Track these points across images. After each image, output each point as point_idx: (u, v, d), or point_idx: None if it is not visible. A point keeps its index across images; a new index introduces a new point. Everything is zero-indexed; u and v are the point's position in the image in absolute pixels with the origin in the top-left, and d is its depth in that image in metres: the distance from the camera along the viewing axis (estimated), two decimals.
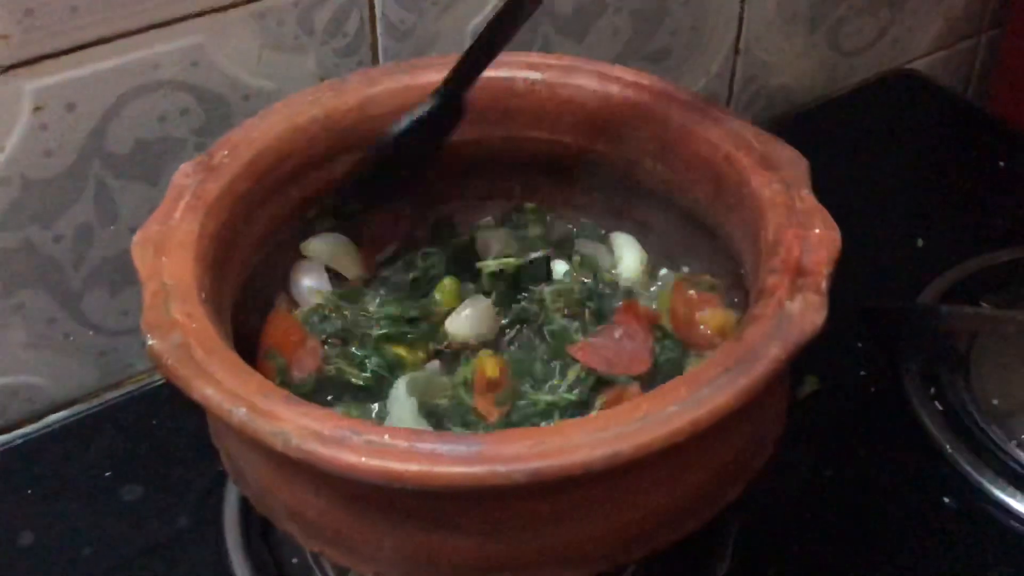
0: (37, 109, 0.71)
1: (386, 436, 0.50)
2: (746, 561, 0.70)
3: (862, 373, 0.83)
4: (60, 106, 0.72)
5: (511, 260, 0.73)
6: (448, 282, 0.72)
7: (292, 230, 0.71)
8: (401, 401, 0.65)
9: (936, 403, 0.80)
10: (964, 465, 0.76)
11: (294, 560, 0.71)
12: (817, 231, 0.59)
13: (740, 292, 0.68)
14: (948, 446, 0.77)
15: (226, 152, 0.66)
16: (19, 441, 0.79)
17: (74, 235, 0.77)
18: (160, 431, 0.79)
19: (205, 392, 0.53)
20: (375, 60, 0.84)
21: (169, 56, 0.74)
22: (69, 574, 0.70)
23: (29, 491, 0.75)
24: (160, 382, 0.83)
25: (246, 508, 0.72)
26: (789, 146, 0.65)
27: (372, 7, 0.81)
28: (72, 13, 0.69)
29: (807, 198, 0.62)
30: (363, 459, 0.49)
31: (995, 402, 0.80)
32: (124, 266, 0.79)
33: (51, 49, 0.70)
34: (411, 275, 0.73)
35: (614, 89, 0.71)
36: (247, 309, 0.67)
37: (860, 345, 0.85)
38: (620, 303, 0.70)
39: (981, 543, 0.73)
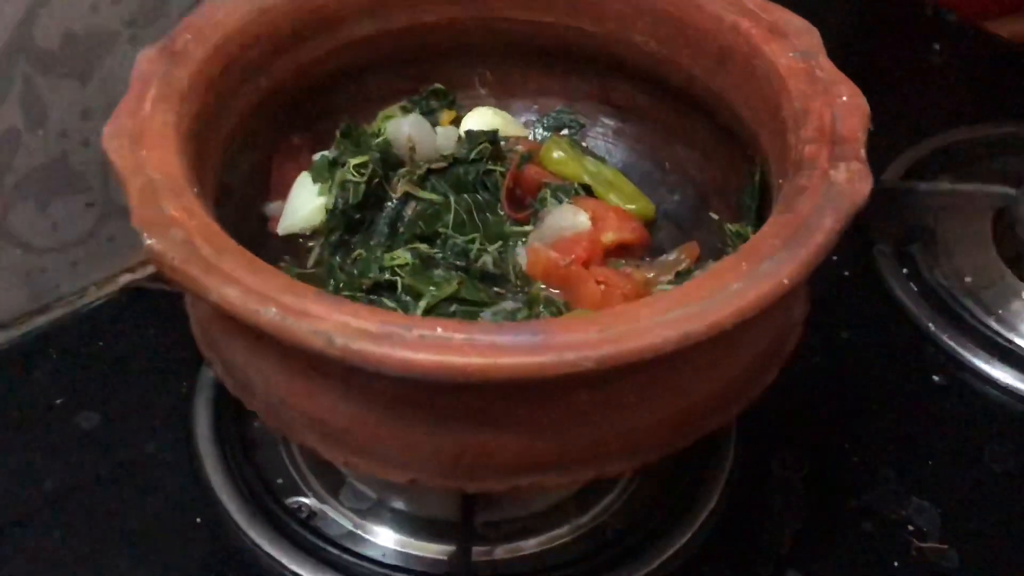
0: None
1: (439, 329, 0.46)
2: (749, 451, 0.69)
3: (835, 258, 0.81)
4: None
5: None
6: None
7: (259, 126, 0.65)
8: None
9: (911, 283, 0.80)
10: (949, 343, 0.76)
11: (279, 480, 0.66)
12: (844, 98, 0.57)
13: (738, 172, 0.66)
14: (931, 325, 0.77)
15: (190, 36, 0.60)
16: None
17: None
18: (108, 353, 0.73)
19: (224, 292, 0.47)
20: None
21: None
22: (32, 511, 0.64)
23: None
24: (98, 303, 0.77)
25: (221, 429, 0.67)
26: (795, 15, 0.63)
27: None
28: None
29: (827, 66, 0.59)
30: (420, 355, 0.45)
31: (968, 279, 0.80)
32: (53, 175, 0.73)
33: None
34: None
35: None
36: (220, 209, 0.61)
37: None
38: None
39: (973, 417, 0.73)
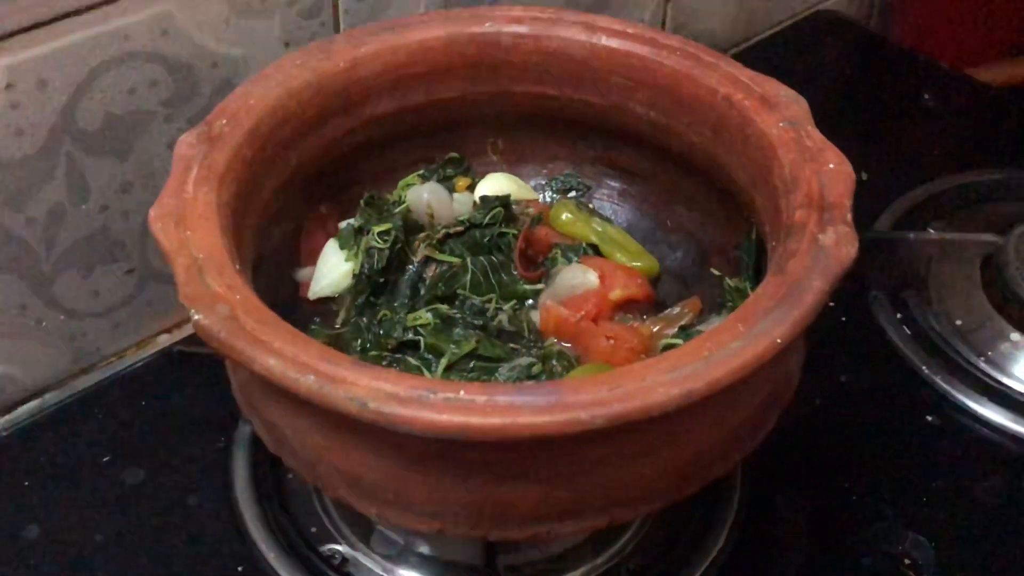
0: (8, 87, 0.68)
1: (462, 392, 0.50)
2: (755, 491, 0.73)
3: (832, 304, 0.85)
4: (31, 83, 0.69)
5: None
6: None
7: (290, 200, 0.70)
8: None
9: (905, 327, 0.84)
10: (941, 384, 0.80)
11: (312, 529, 0.71)
12: (832, 166, 0.61)
13: (735, 231, 0.70)
14: (925, 367, 0.81)
15: (225, 121, 0.64)
16: (4, 433, 0.76)
17: (46, 217, 0.74)
18: (150, 412, 0.77)
19: (267, 362, 0.52)
20: (336, 22, 0.82)
21: (139, 26, 0.72)
22: (83, 565, 0.68)
23: (26, 483, 0.72)
24: (138, 364, 0.82)
25: (258, 481, 0.72)
26: (784, 85, 0.67)
27: None
28: None
29: (814, 135, 0.64)
30: (445, 416, 0.49)
31: (958, 322, 0.84)
32: (94, 246, 0.78)
33: (22, 24, 0.67)
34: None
35: (600, 39, 0.71)
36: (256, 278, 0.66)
37: None
38: None
39: (966, 455, 0.77)
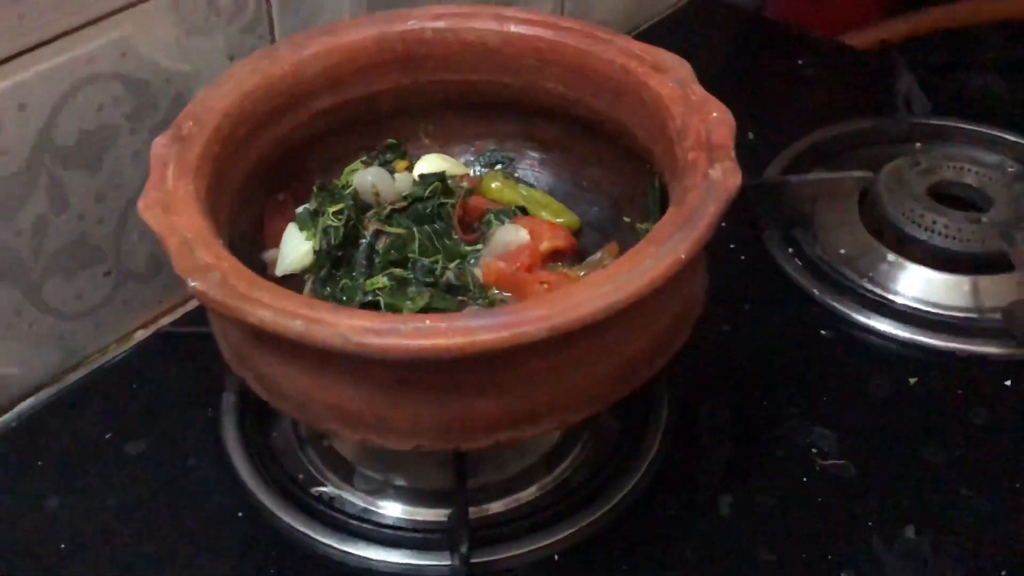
0: None
1: (427, 322, 0.61)
2: (680, 405, 0.84)
3: (731, 246, 0.98)
4: (13, 107, 0.78)
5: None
6: None
7: (252, 190, 0.79)
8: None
9: (796, 259, 0.96)
10: (832, 303, 0.92)
11: (300, 476, 0.80)
12: (714, 115, 0.72)
13: (641, 183, 0.81)
14: (816, 291, 0.93)
15: (191, 123, 0.74)
16: (13, 424, 0.85)
17: (32, 227, 0.83)
18: (142, 392, 0.86)
19: (260, 314, 0.61)
20: (272, 32, 0.92)
21: (102, 50, 0.81)
22: (102, 525, 0.77)
23: (39, 462, 0.81)
24: (121, 356, 0.91)
25: (247, 440, 0.81)
26: (671, 53, 0.78)
27: None
28: (19, 20, 0.76)
29: (698, 91, 0.75)
30: (415, 341, 0.60)
31: (842, 251, 0.96)
32: (75, 252, 0.86)
33: (2, 55, 0.76)
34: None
35: (511, 27, 0.82)
36: None
37: (723, 224, 0.99)
38: None
39: (857, 360, 0.89)
